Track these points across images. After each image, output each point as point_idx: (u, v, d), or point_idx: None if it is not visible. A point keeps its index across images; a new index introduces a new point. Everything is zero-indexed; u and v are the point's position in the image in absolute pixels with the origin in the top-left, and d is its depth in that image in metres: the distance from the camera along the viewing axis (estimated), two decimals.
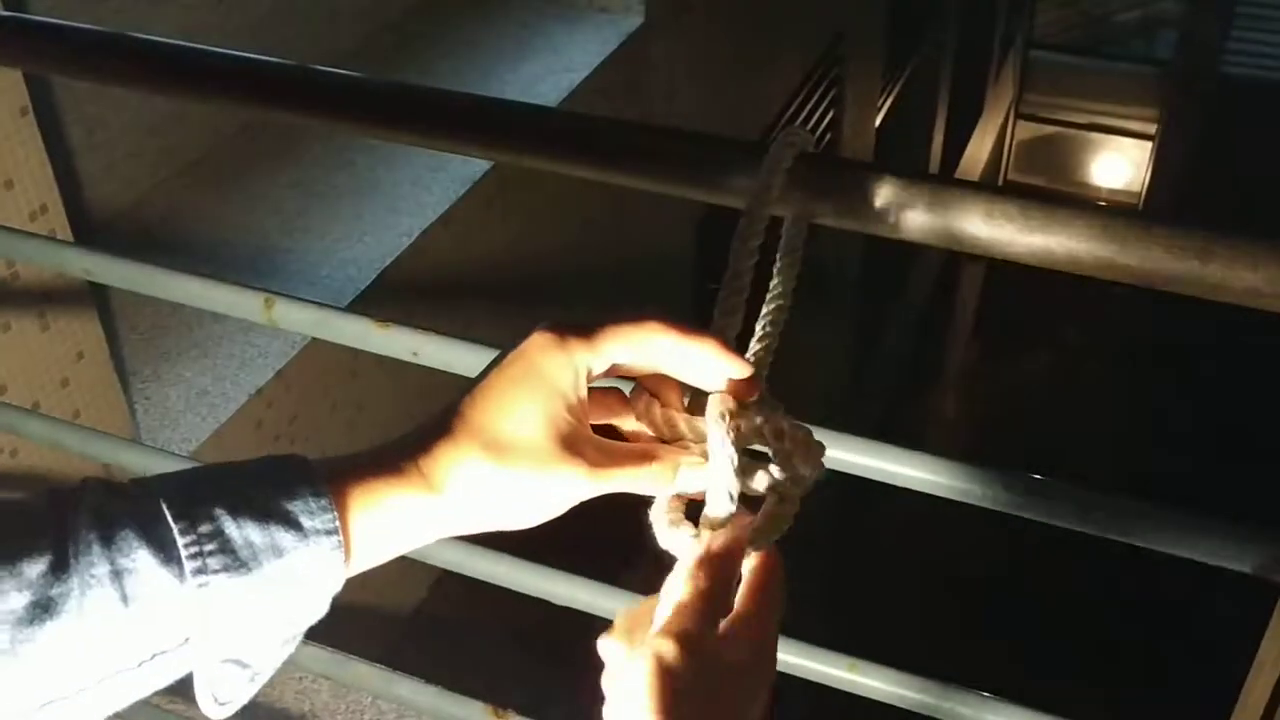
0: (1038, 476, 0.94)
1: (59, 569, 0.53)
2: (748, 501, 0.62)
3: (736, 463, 0.59)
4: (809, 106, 5.39)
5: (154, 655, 0.54)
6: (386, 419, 2.36)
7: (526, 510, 0.61)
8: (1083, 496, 0.90)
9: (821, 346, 6.36)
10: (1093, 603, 7.28)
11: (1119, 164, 11.68)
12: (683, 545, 0.59)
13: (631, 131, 0.84)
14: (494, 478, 0.59)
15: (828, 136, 5.82)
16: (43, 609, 0.53)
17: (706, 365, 0.61)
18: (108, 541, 0.54)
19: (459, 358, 1.04)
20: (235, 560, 0.55)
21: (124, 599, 0.53)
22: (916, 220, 0.75)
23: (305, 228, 2.35)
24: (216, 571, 0.54)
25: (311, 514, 0.57)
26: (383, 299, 2.20)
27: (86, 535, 0.54)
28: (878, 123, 6.84)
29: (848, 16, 5.80)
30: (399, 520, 0.60)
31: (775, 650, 0.59)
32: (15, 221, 1.53)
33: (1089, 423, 8.77)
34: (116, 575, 0.53)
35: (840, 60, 5.75)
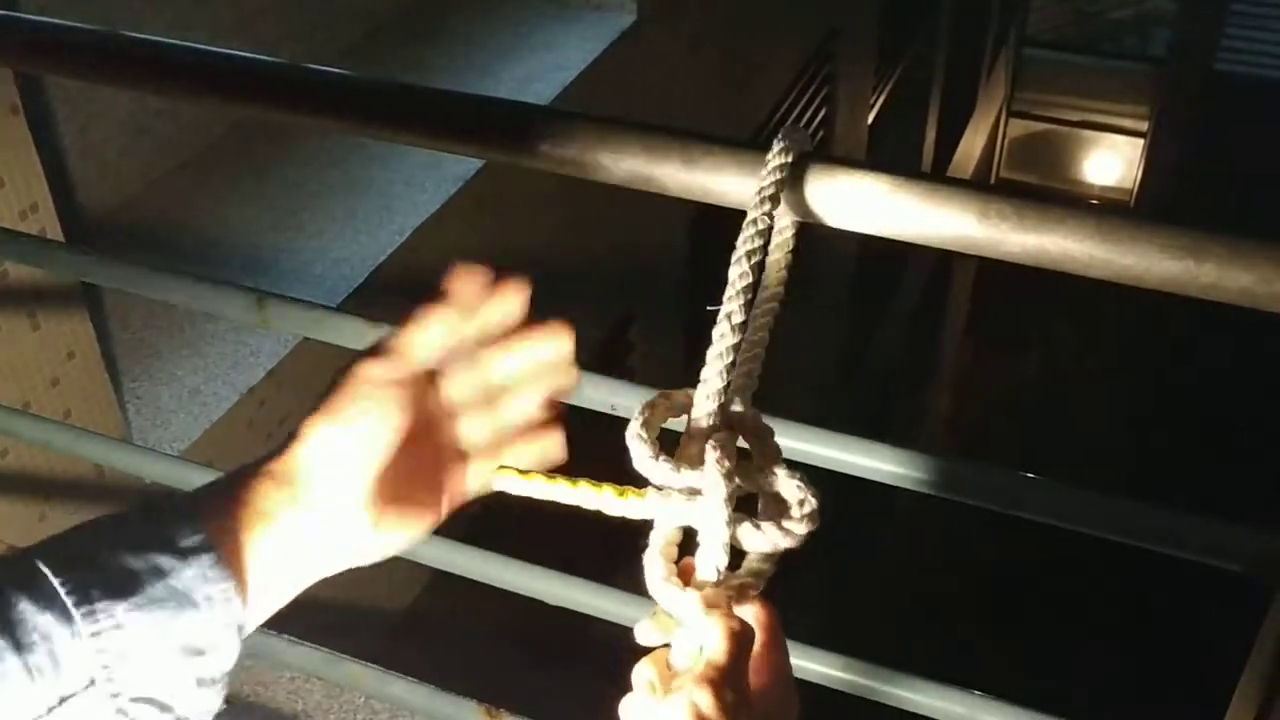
0: (1030, 475, 0.94)
1: None
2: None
3: (728, 537, 0.59)
4: (801, 104, 5.39)
5: (61, 700, 0.54)
6: None
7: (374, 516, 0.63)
8: (1075, 495, 0.90)
9: (815, 344, 6.36)
10: (1085, 601, 7.29)
11: (1111, 161, 11.70)
12: (677, 604, 0.59)
13: (625, 131, 0.84)
14: (345, 474, 0.62)
15: (820, 134, 5.82)
16: None
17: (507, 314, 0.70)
18: None
19: None
20: (117, 587, 0.56)
21: (17, 647, 0.53)
22: (911, 221, 0.75)
23: (298, 226, 2.34)
24: (100, 599, 0.55)
25: (185, 535, 0.58)
26: (376, 297, 2.20)
27: None
28: (870, 120, 6.85)
29: (840, 14, 5.80)
30: (276, 532, 0.61)
31: (794, 691, 0.60)
32: (5, 221, 1.53)
33: (1081, 421, 8.79)
34: (5, 627, 0.54)
35: (833, 57, 5.76)
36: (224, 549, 0.59)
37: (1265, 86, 10.34)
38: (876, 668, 1.04)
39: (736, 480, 0.60)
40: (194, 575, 0.57)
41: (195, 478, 1.30)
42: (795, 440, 0.96)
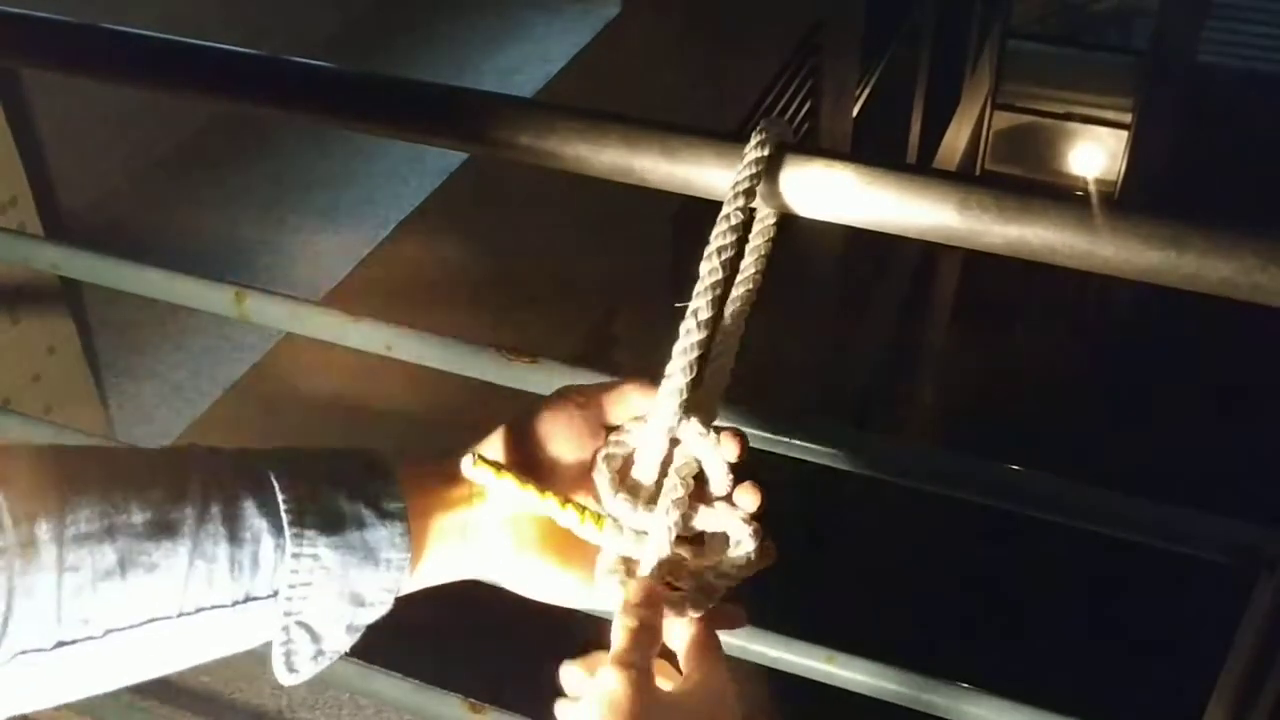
0: (1015, 467, 0.94)
1: (177, 498, 0.59)
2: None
3: (668, 553, 0.64)
4: (786, 96, 5.39)
5: (247, 599, 0.60)
6: (362, 412, 2.35)
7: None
8: (1061, 486, 0.90)
9: (799, 336, 6.36)
10: (1070, 591, 7.32)
11: (1095, 153, 11.73)
12: (612, 594, 0.64)
13: (606, 122, 0.84)
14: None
15: (805, 126, 5.83)
16: (161, 528, 0.58)
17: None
18: (220, 487, 0.60)
19: (431, 352, 1.03)
20: (326, 521, 0.61)
21: (231, 538, 0.59)
22: (892, 212, 0.75)
23: (280, 219, 2.33)
24: (309, 528, 0.61)
25: (390, 498, 0.64)
26: (359, 291, 2.19)
27: (202, 478, 0.60)
28: (855, 112, 6.85)
29: (825, 6, 5.80)
30: (455, 522, 0.67)
31: (731, 708, 0.63)
32: None
33: (1067, 411, 8.82)
34: (228, 517, 0.59)
35: (818, 50, 5.76)
36: (413, 520, 0.64)
37: (1248, 78, 10.38)
38: (858, 660, 1.04)
39: (683, 526, 0.64)
40: (385, 537, 0.63)
41: None
42: (777, 431, 0.96)
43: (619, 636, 0.61)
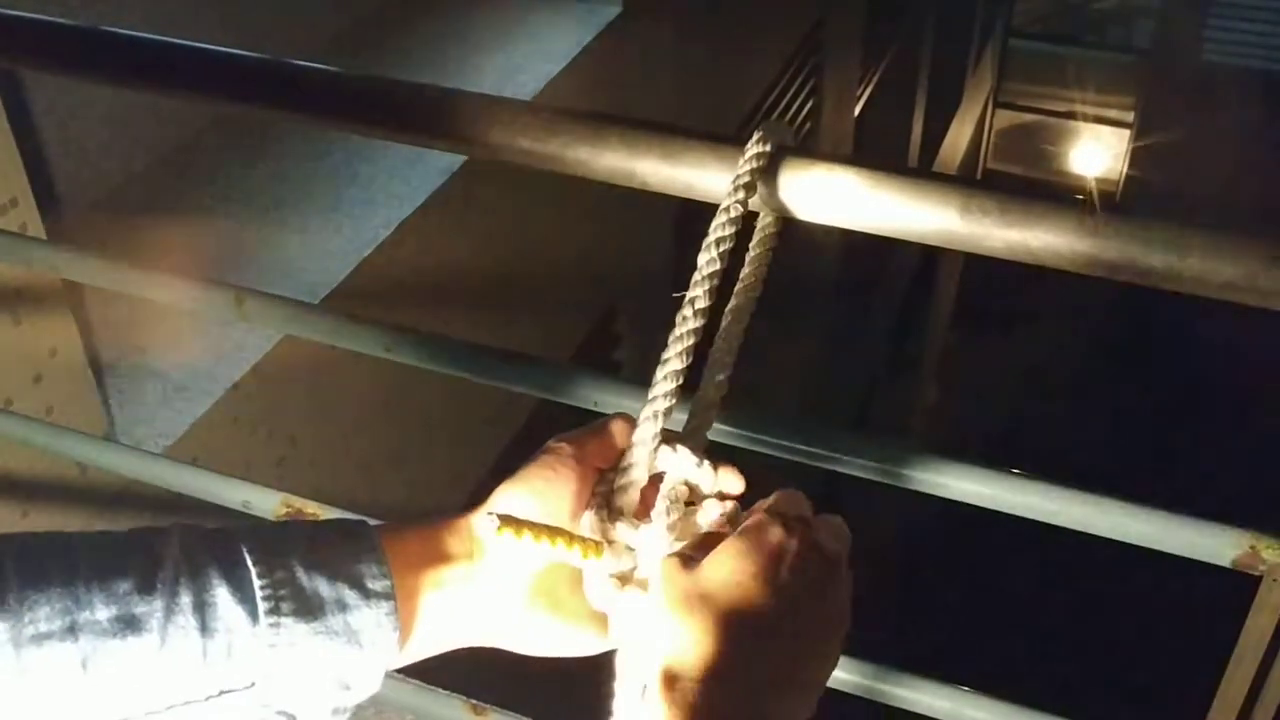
0: (1015, 471, 0.94)
1: (145, 590, 0.56)
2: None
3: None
4: (788, 96, 5.39)
5: (221, 693, 0.57)
6: (364, 412, 2.35)
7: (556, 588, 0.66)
8: (1059, 491, 0.90)
9: (800, 337, 6.36)
10: (1069, 595, 7.32)
11: (1097, 152, 11.73)
12: (610, 603, 0.64)
13: (606, 126, 0.83)
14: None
15: (807, 126, 5.82)
16: (126, 624, 0.55)
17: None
18: (193, 575, 0.58)
19: (431, 353, 1.03)
20: (305, 607, 0.59)
21: (203, 629, 0.57)
22: (893, 216, 0.75)
23: (281, 220, 2.33)
24: (288, 615, 0.58)
25: (374, 578, 0.61)
26: (360, 291, 2.19)
27: (173, 567, 0.58)
28: (857, 112, 6.84)
29: (826, 5, 5.79)
30: (446, 593, 0.65)
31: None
32: None
33: (1067, 414, 8.81)
34: (199, 607, 0.57)
35: (819, 49, 5.75)
36: (401, 598, 0.62)
37: (1250, 77, 10.37)
38: (849, 660, 1.04)
39: (679, 530, 0.64)
40: (370, 618, 0.61)
41: (179, 475, 1.29)
42: (779, 434, 0.96)
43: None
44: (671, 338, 0.66)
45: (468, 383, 1.06)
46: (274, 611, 0.58)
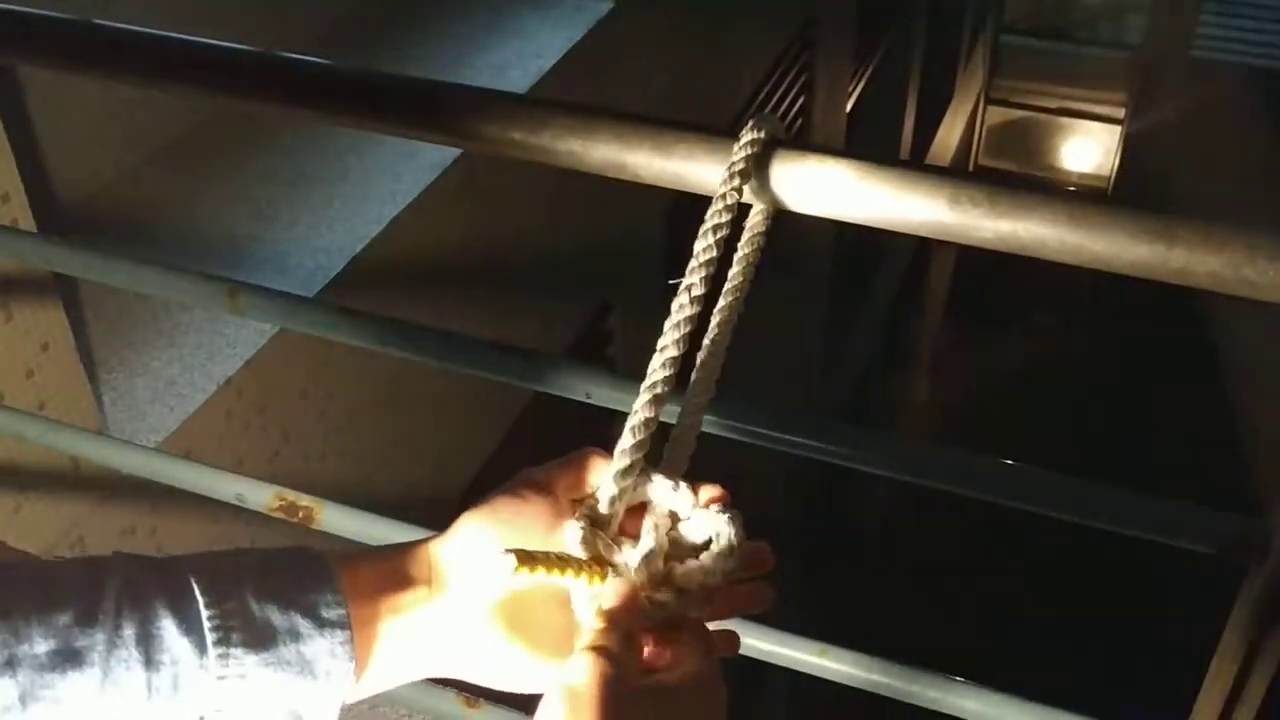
0: (1006, 461, 0.94)
1: (86, 623, 0.54)
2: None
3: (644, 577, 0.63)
4: (779, 92, 5.39)
5: None
6: (357, 407, 2.35)
7: (519, 621, 0.64)
8: (1049, 480, 0.91)
9: (793, 331, 6.37)
10: (1063, 585, 7.34)
11: (1088, 148, 11.76)
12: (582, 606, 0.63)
13: (598, 118, 0.84)
14: (491, 572, 0.62)
15: (798, 122, 5.83)
16: (66, 658, 0.53)
17: None
18: (136, 606, 0.56)
19: (425, 347, 1.03)
20: (255, 637, 0.57)
21: (147, 662, 0.55)
22: (884, 207, 0.75)
23: (274, 215, 2.33)
24: (237, 645, 0.57)
25: (329, 607, 0.60)
26: (353, 286, 2.19)
27: (117, 598, 0.56)
28: (848, 108, 6.85)
29: (818, 2, 5.80)
30: (404, 623, 0.63)
31: (717, 699, 0.60)
32: None
33: (1058, 406, 8.84)
34: (143, 639, 0.55)
35: (811, 45, 5.76)
36: (357, 627, 0.60)
37: (1241, 72, 10.40)
38: (850, 653, 1.04)
39: (668, 547, 0.64)
40: (324, 648, 0.59)
41: (172, 469, 1.29)
42: (773, 427, 0.96)
43: (589, 631, 0.59)
44: (668, 325, 0.66)
45: (461, 377, 1.07)
46: (223, 642, 0.56)
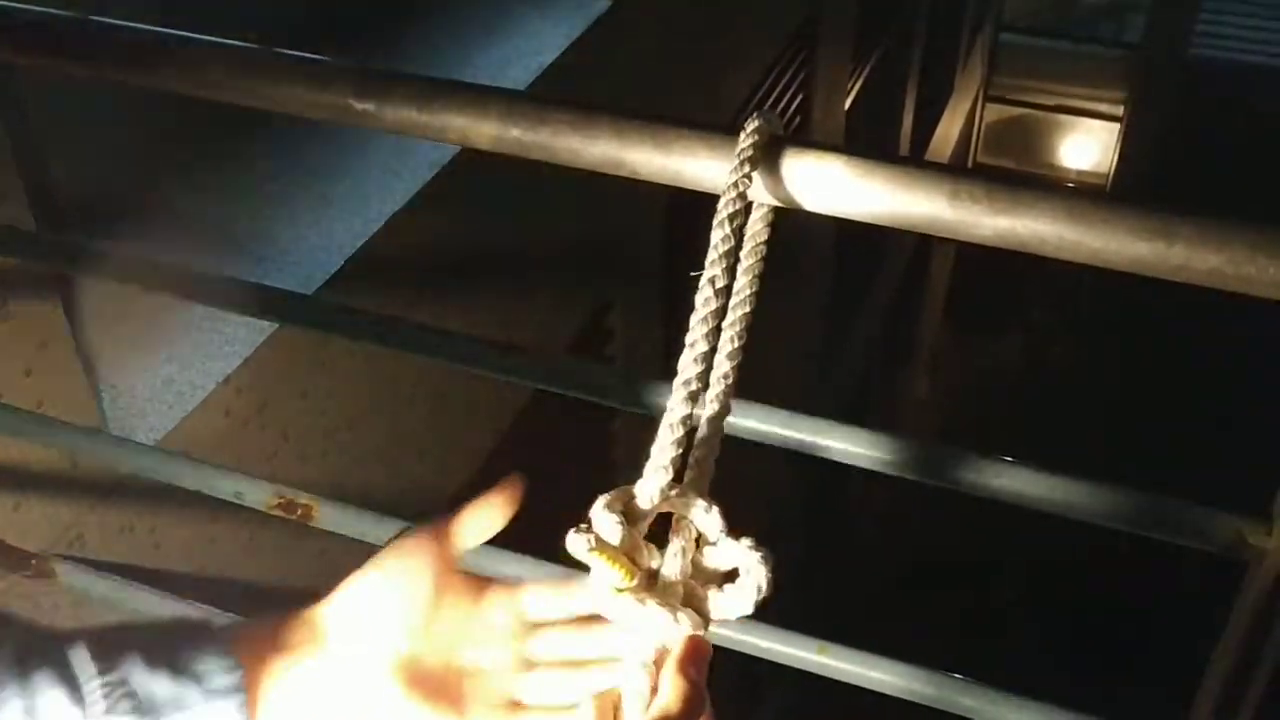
0: (1006, 459, 0.94)
1: None
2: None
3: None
4: (779, 89, 5.39)
5: None
6: (357, 405, 2.35)
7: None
8: (1048, 478, 0.91)
9: (792, 328, 6.37)
10: (1062, 583, 7.34)
11: (1087, 146, 11.75)
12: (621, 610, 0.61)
13: (597, 115, 0.84)
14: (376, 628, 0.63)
15: (797, 120, 5.83)
16: None
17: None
18: (23, 677, 0.56)
19: (424, 344, 1.03)
20: (142, 707, 0.57)
21: None
22: (883, 203, 0.75)
23: (272, 213, 2.33)
24: (123, 714, 0.57)
25: (220, 673, 0.60)
26: (352, 284, 2.19)
27: (6, 668, 0.56)
28: (847, 105, 6.85)
29: (817, 0, 5.80)
30: (297, 683, 0.63)
31: None
32: None
33: (1058, 403, 8.84)
34: (29, 711, 0.55)
35: (810, 43, 5.75)
36: (251, 692, 0.61)
37: (1239, 71, 10.40)
38: (850, 650, 1.04)
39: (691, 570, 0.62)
40: (213, 716, 0.59)
41: (171, 467, 1.29)
42: (773, 425, 0.96)
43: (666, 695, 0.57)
44: (694, 319, 0.66)
45: (460, 375, 1.07)
46: (110, 712, 0.57)
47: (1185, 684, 1.01)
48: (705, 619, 0.61)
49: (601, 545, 0.59)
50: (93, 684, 0.57)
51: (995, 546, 6.89)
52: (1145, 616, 6.81)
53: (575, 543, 0.58)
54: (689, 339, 0.66)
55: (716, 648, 0.62)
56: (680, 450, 0.64)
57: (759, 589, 0.61)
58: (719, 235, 0.70)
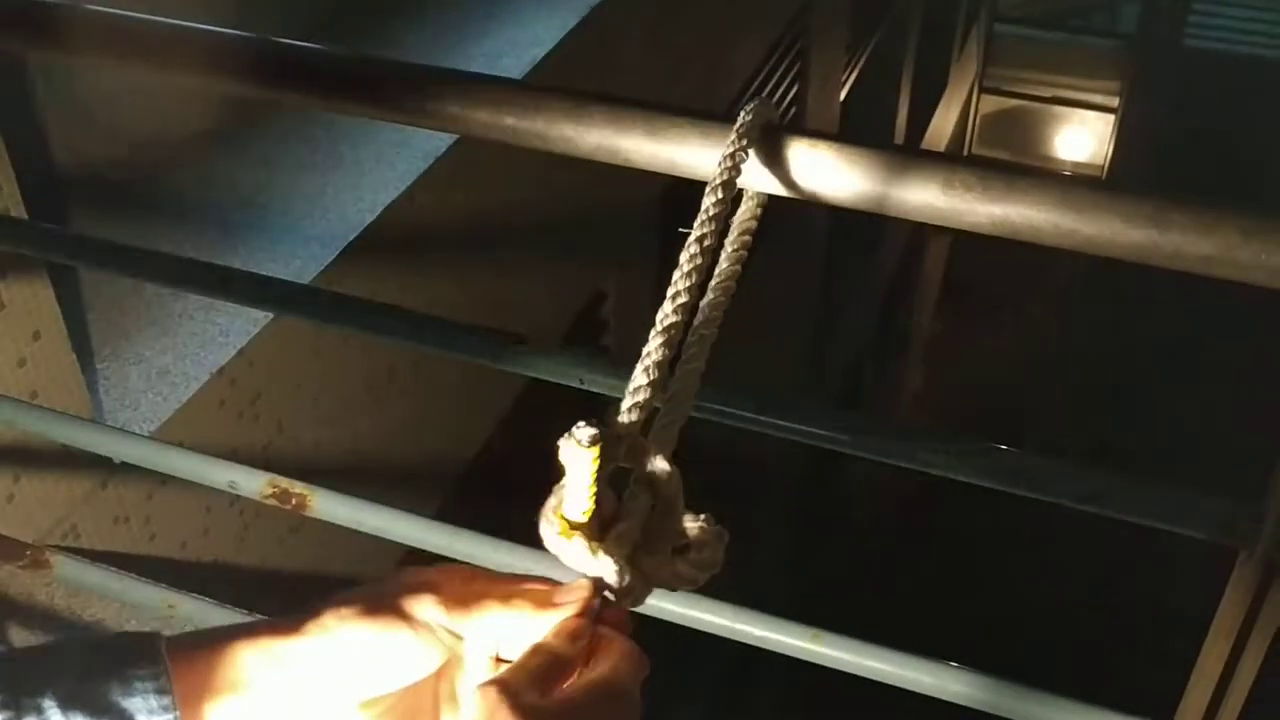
0: (1000, 446, 0.94)
1: None
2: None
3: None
4: (773, 80, 5.39)
5: None
6: (352, 395, 2.35)
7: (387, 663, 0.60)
8: (1039, 465, 0.91)
9: (787, 316, 6.37)
10: (1054, 570, 7.36)
11: (1082, 137, 11.75)
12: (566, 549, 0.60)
13: (591, 103, 0.84)
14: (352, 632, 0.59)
15: (792, 111, 5.82)
16: None
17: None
18: None
19: (419, 334, 1.03)
20: None
21: None
22: (876, 191, 0.75)
23: (266, 204, 2.32)
24: None
25: (150, 711, 0.55)
26: (346, 274, 2.19)
27: None
28: (842, 97, 6.85)
29: None
30: (244, 703, 0.58)
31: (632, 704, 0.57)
32: None
33: (1052, 391, 8.85)
34: None
35: (805, 34, 5.75)
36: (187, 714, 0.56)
37: (1234, 62, 10.41)
38: (843, 638, 1.04)
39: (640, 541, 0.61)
40: None
41: (165, 457, 1.29)
42: (764, 412, 0.96)
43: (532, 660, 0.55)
44: (666, 301, 0.66)
45: (456, 364, 1.07)
46: None
47: (1179, 669, 1.02)
48: (650, 582, 0.61)
49: (595, 441, 0.57)
50: None
51: (987, 533, 6.90)
52: (1138, 601, 6.84)
53: (570, 440, 0.57)
54: (658, 316, 0.66)
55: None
56: (652, 393, 0.63)
57: (714, 561, 0.61)
58: (699, 220, 0.69)
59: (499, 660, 0.61)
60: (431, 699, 0.62)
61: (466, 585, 0.61)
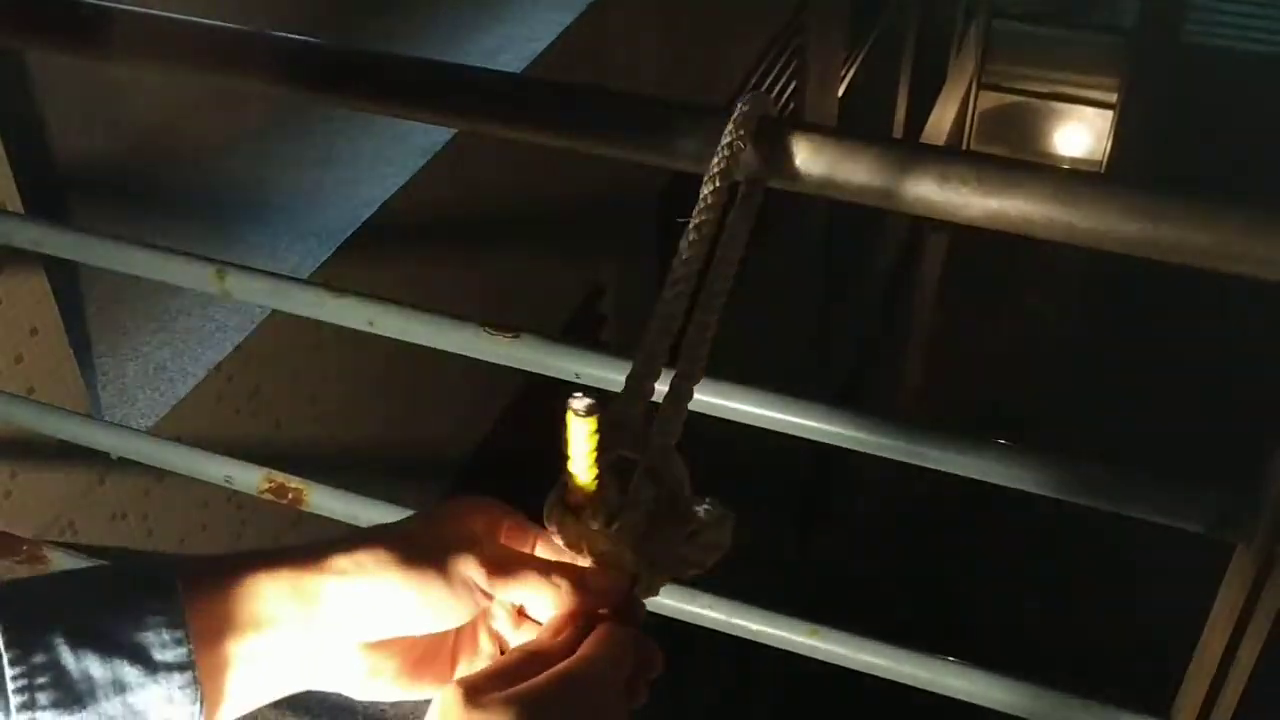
0: (999, 441, 0.94)
1: None
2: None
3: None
4: (771, 76, 5.38)
5: None
6: (349, 391, 2.35)
7: (412, 617, 0.59)
8: (1037, 458, 0.91)
9: (786, 312, 6.37)
10: (1053, 563, 7.37)
11: (1081, 133, 11.75)
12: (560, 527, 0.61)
13: (588, 96, 0.84)
14: (387, 572, 0.57)
15: (790, 106, 5.82)
16: None
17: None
18: None
19: (415, 328, 1.03)
20: (69, 695, 0.50)
21: None
22: (872, 183, 0.75)
23: (264, 199, 2.32)
24: (45, 707, 0.50)
25: (164, 646, 0.52)
26: (344, 270, 2.19)
27: None
28: (841, 93, 6.84)
29: None
30: (266, 646, 0.56)
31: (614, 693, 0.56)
32: None
33: (1052, 387, 8.86)
34: None
35: (803, 29, 5.74)
36: (203, 658, 0.53)
37: (1233, 58, 10.40)
38: (841, 633, 1.04)
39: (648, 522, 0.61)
40: (158, 695, 0.52)
41: (162, 452, 1.29)
42: (765, 408, 0.96)
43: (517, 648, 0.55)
44: (663, 294, 0.66)
45: (454, 359, 1.07)
46: (28, 706, 0.49)
47: (1176, 662, 1.02)
48: (658, 568, 0.61)
49: (592, 411, 0.56)
50: (8, 672, 0.50)
51: (984, 527, 6.90)
52: (1135, 595, 6.84)
53: (568, 411, 0.56)
54: (656, 310, 0.66)
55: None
56: (652, 380, 0.63)
57: (720, 545, 0.61)
58: (697, 211, 0.69)
59: (522, 615, 0.61)
60: (450, 645, 0.62)
61: (507, 545, 0.61)
